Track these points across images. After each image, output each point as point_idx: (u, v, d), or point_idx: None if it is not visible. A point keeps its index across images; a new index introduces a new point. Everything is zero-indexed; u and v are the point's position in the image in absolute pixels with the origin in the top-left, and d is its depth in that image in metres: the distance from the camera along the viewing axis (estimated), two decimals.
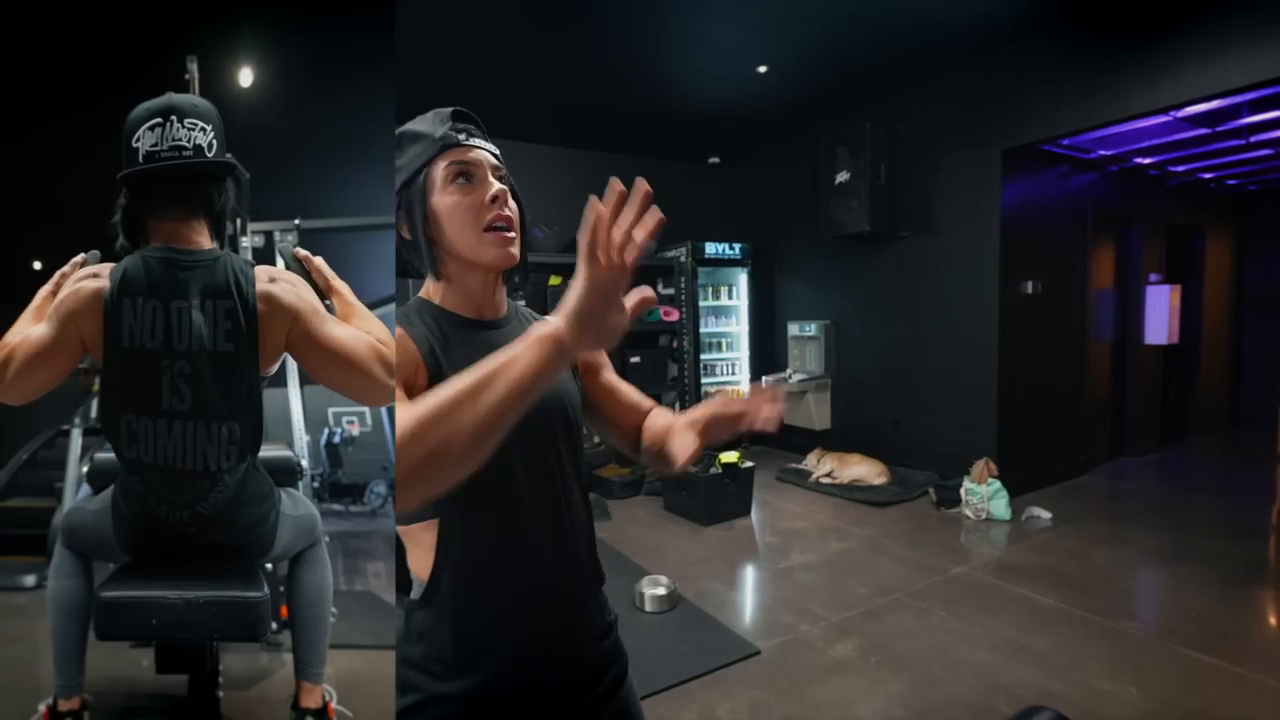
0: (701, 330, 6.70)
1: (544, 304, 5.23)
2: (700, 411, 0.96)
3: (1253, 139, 4.84)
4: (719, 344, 7.08)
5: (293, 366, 3.14)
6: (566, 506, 0.94)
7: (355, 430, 5.39)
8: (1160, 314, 5.99)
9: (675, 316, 6.41)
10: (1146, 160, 5.44)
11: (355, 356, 1.36)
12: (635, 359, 6.26)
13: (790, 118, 5.97)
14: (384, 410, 5.39)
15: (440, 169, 0.90)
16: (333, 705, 2.07)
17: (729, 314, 7.10)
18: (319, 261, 1.55)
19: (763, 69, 4.85)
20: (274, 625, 2.34)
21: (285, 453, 2.21)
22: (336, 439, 5.28)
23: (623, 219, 0.60)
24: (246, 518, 1.66)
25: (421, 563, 0.87)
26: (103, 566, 1.81)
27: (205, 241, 1.52)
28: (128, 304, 1.38)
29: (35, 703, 1.94)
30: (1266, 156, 5.46)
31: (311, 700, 1.98)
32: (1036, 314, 5.00)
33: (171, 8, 3.01)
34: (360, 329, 1.44)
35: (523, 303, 1.09)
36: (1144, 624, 3.02)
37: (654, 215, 0.61)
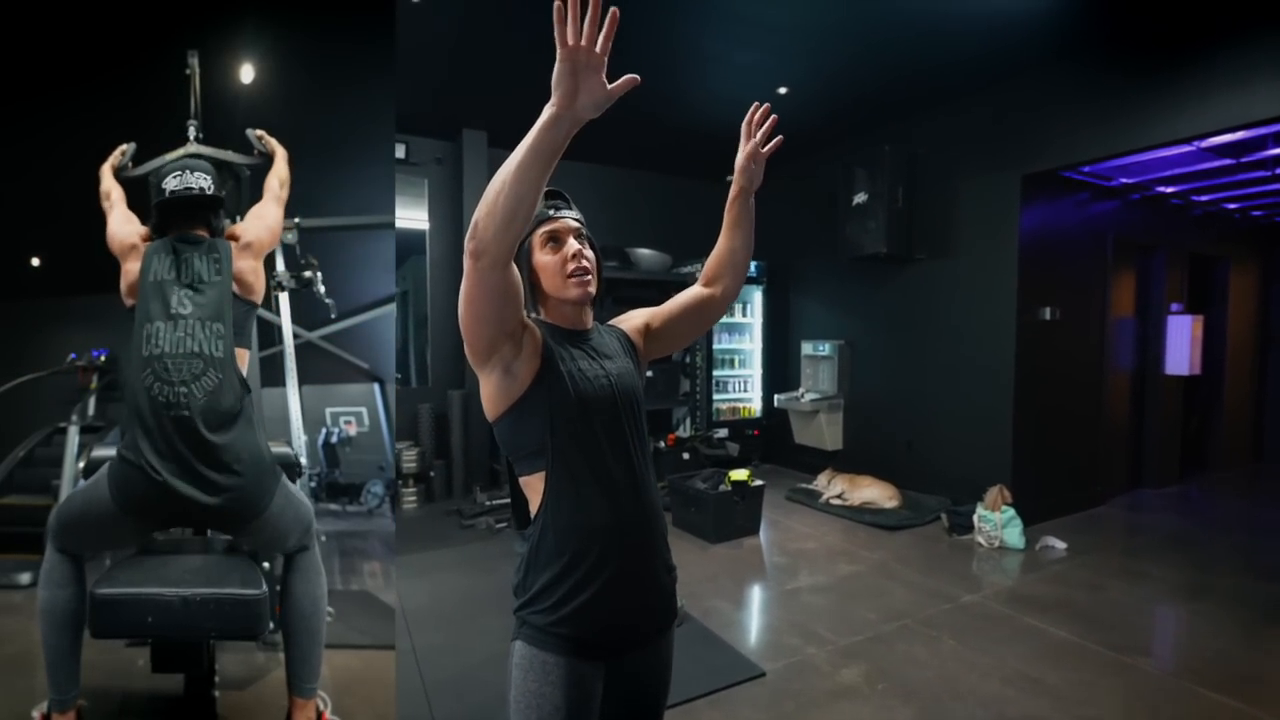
0: (715, 346, 6.69)
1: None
2: (731, 194, 1.38)
3: (1278, 170, 4.77)
4: (732, 360, 7.06)
5: (291, 367, 3.22)
6: (636, 461, 1.21)
7: (353, 430, 5.36)
8: (1181, 344, 5.89)
9: None
10: (1169, 189, 5.39)
11: (278, 216, 2.30)
12: (648, 373, 6.23)
13: (809, 138, 5.98)
14: (381, 410, 5.40)
15: (538, 236, 1.24)
16: (327, 715, 2.05)
17: (743, 331, 7.08)
18: (272, 140, 2.48)
19: (783, 90, 4.86)
20: (271, 624, 2.33)
21: (284, 450, 2.22)
22: (334, 439, 5.27)
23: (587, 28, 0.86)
24: (245, 463, 1.85)
25: (535, 503, 1.16)
26: (99, 567, 1.80)
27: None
28: (155, 259, 1.99)
29: (30, 704, 1.92)
30: None
31: (304, 717, 1.97)
32: (1054, 341, 4.93)
33: (172, 5, 3.03)
34: (271, 185, 2.35)
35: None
36: (1160, 662, 2.94)
37: (610, 17, 0.86)
